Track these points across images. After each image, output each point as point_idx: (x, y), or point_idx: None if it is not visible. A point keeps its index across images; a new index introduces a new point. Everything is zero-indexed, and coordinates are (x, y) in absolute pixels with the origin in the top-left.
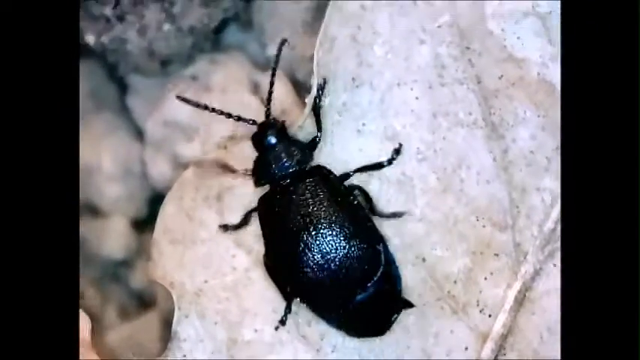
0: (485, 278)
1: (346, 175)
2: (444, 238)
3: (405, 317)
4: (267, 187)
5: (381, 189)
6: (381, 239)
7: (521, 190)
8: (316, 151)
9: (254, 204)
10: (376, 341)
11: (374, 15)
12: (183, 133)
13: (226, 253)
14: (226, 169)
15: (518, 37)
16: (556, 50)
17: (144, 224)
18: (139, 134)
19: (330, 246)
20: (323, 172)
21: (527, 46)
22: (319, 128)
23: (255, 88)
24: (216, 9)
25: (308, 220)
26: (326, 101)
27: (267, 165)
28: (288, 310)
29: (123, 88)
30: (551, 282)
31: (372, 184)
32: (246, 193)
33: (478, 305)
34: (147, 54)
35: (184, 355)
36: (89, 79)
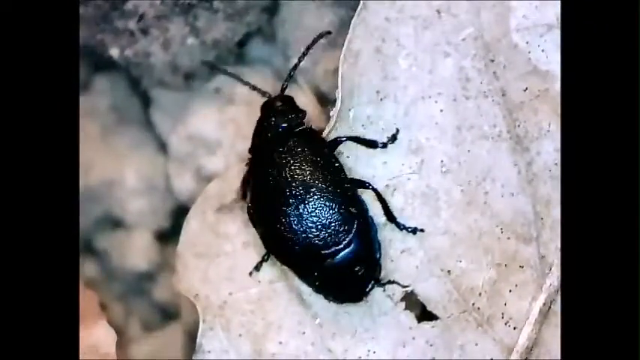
0: (510, 291)
1: (335, 142)
2: (468, 250)
3: (430, 330)
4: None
5: (405, 202)
6: (358, 203)
7: (546, 203)
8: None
9: None
10: (402, 354)
11: (398, 28)
12: (207, 146)
13: (250, 266)
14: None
15: (542, 50)
16: None
17: (167, 237)
18: (163, 148)
19: (305, 205)
20: (307, 132)
21: (551, 59)
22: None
23: None
24: (240, 23)
25: (287, 177)
26: (350, 114)
27: (261, 128)
28: (265, 256)
29: (146, 101)
30: None
31: (396, 197)
32: None
33: (503, 318)
34: (171, 68)
35: None
36: (112, 92)
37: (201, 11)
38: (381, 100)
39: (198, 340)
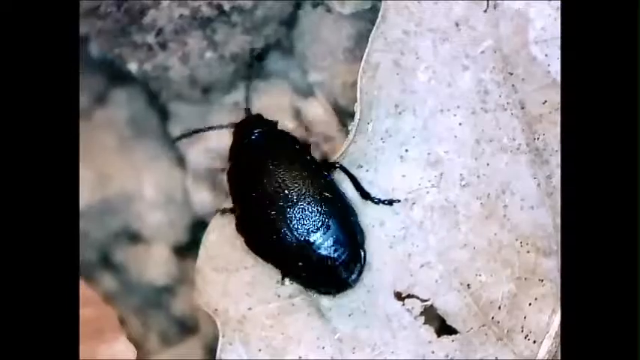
0: (530, 304)
1: (331, 164)
2: (488, 264)
3: (450, 344)
4: None
5: (424, 215)
6: (332, 187)
7: None
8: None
9: None
10: None
11: (417, 41)
12: (225, 160)
13: (270, 281)
14: None
15: None
16: None
17: (185, 250)
18: (181, 161)
19: (290, 205)
20: (280, 134)
21: None
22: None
23: (297, 115)
24: (258, 36)
25: (270, 183)
26: (369, 127)
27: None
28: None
29: (164, 115)
30: None
31: (415, 210)
32: None
33: (523, 331)
34: (189, 81)
35: None
36: (130, 106)
37: (219, 25)
38: (400, 113)
39: (217, 354)
